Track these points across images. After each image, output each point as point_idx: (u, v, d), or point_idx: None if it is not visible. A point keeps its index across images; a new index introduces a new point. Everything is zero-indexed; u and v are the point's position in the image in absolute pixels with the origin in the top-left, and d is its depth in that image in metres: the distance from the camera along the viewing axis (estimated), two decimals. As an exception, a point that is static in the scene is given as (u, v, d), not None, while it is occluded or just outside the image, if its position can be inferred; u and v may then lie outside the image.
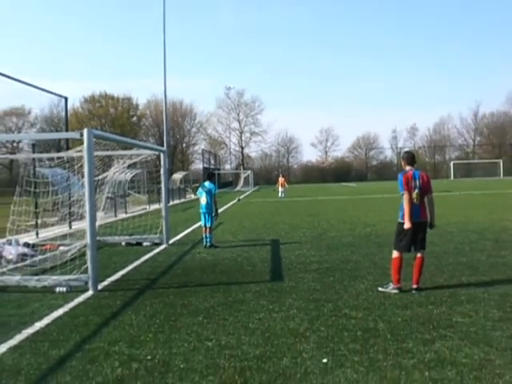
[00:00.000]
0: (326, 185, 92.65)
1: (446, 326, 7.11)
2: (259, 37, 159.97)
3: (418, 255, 9.26)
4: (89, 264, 10.09)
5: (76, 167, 14.59)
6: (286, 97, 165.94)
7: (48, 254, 13.44)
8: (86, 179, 10.30)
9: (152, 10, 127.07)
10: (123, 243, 16.94)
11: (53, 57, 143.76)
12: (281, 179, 48.84)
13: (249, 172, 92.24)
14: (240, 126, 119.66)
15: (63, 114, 25.65)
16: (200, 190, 16.18)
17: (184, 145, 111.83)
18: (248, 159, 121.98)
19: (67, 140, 23.33)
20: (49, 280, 10.30)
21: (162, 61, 45.48)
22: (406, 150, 19.34)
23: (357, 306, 8.30)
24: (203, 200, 15.76)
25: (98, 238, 12.77)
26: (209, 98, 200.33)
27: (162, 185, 17.51)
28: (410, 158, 9.50)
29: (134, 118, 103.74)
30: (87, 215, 10.25)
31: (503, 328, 6.92)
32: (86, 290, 9.94)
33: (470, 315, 7.57)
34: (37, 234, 18.84)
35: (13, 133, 77.70)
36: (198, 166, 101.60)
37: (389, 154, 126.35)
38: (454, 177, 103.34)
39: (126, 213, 31.18)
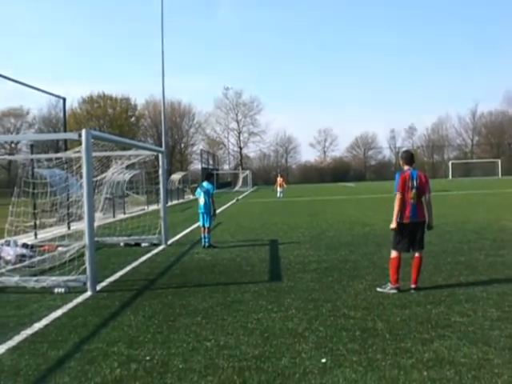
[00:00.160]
0: (325, 185, 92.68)
1: (445, 325, 7.11)
2: (258, 36, 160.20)
3: (417, 255, 9.27)
4: (87, 265, 10.08)
5: (74, 168, 14.59)
6: (284, 97, 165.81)
7: (46, 255, 13.43)
8: (84, 180, 10.29)
9: (150, 9, 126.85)
10: (122, 244, 16.94)
11: (51, 57, 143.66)
12: (279, 179, 48.82)
13: (247, 172, 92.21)
14: (238, 126, 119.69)
15: (61, 114, 25.64)
16: (198, 190, 16.19)
17: (182, 145, 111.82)
18: (246, 159, 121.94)
19: (65, 141, 23.36)
20: (47, 281, 10.30)
21: (160, 61, 45.53)
22: (405, 149, 19.41)
23: (355, 305, 8.31)
24: (201, 200, 15.76)
25: (96, 238, 12.75)
26: (207, 98, 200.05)
27: (161, 185, 17.52)
28: (409, 157, 9.51)
29: (133, 119, 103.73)
30: (86, 216, 10.24)
31: (501, 327, 6.92)
32: (85, 290, 9.93)
33: (468, 315, 7.57)
34: (35, 234, 18.84)
35: (11, 134, 77.77)
36: (196, 166, 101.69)
37: (387, 154, 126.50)
38: (453, 176, 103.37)
39: (124, 213, 31.19)
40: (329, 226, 20.62)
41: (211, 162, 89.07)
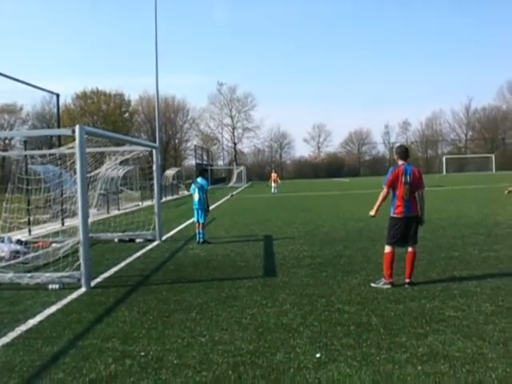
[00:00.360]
0: (319, 180, 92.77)
1: (439, 320, 7.13)
2: (252, 32, 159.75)
3: (410, 249, 9.29)
4: (81, 261, 10.08)
5: (68, 164, 14.55)
6: (278, 92, 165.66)
7: (41, 251, 13.42)
8: (78, 176, 10.28)
9: (144, 4, 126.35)
10: (116, 240, 16.92)
11: (44, 53, 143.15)
12: (273, 175, 48.79)
13: (242, 168, 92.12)
14: (232, 121, 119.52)
15: (55, 110, 25.56)
16: (193, 186, 16.19)
17: (176, 141, 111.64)
18: (241, 155, 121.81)
19: (59, 137, 23.29)
20: (42, 277, 10.28)
21: (153, 57, 45.29)
22: (399, 144, 19.52)
23: (350, 300, 8.32)
24: (196, 196, 15.77)
25: (90, 234, 12.75)
26: (201, 93, 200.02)
27: (155, 181, 17.50)
28: (403, 152, 9.52)
29: (126, 115, 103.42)
30: (80, 212, 10.23)
31: (495, 322, 6.95)
32: (79, 286, 9.92)
33: (462, 309, 7.59)
34: (29, 231, 18.80)
35: (4, 130, 77.40)
36: (190, 162, 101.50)
37: (381, 149, 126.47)
38: (447, 171, 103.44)
39: (118, 209, 31.17)
40: (323, 221, 20.64)
41: (205, 157, 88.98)
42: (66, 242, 13.24)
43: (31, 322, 7.73)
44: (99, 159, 17.74)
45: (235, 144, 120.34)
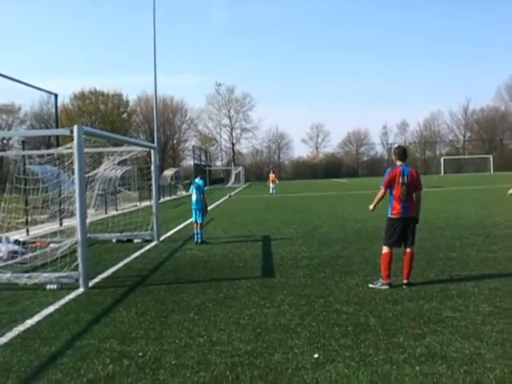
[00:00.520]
0: (317, 181, 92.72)
1: (437, 320, 7.14)
2: (250, 33, 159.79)
3: (408, 250, 9.30)
4: (79, 261, 10.08)
5: (66, 164, 14.58)
6: (276, 93, 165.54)
7: (38, 252, 13.42)
8: (76, 176, 10.27)
9: (143, 6, 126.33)
10: (114, 240, 16.91)
11: (42, 54, 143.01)
12: (271, 175, 48.78)
13: (240, 168, 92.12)
14: (231, 122, 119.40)
15: (53, 110, 25.58)
16: (192, 186, 16.23)
17: (175, 141, 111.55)
18: (239, 155, 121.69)
19: (57, 137, 23.26)
20: (39, 277, 10.28)
21: (152, 57, 45.41)
22: (398, 145, 19.48)
23: (348, 301, 8.33)
24: (194, 196, 15.80)
25: (88, 235, 12.75)
26: (199, 94, 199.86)
27: (153, 181, 17.49)
28: (402, 153, 9.53)
29: (125, 115, 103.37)
30: (77, 212, 10.22)
31: (493, 322, 6.95)
32: (77, 287, 9.92)
33: (460, 310, 7.60)
34: (27, 231, 18.79)
35: (2, 130, 77.37)
36: (188, 162, 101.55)
37: (379, 150, 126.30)
38: (445, 172, 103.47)
39: (116, 210, 31.15)
40: (321, 222, 20.65)
41: (203, 158, 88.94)
42: (63, 242, 13.25)
43: (29, 323, 7.73)
44: (97, 159, 17.76)
45: (233, 144, 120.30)
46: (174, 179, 57.52)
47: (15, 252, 13.52)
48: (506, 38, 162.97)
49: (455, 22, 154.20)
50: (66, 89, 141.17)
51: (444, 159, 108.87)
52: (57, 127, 25.87)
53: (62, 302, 8.98)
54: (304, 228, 18.67)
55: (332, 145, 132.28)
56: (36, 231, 19.04)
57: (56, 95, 23.53)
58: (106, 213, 28.34)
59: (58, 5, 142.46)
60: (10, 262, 12.72)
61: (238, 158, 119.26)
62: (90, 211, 15.24)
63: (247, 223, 21.23)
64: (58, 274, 10.35)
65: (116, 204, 32.25)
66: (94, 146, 15.84)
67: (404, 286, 9.10)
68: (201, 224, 15.72)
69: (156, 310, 8.24)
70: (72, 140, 10.64)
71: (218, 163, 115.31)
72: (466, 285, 9.09)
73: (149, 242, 16.34)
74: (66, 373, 5.71)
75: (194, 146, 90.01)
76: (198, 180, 16.07)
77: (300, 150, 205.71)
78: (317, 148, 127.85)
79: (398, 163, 9.38)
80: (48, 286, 9.99)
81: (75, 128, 10.23)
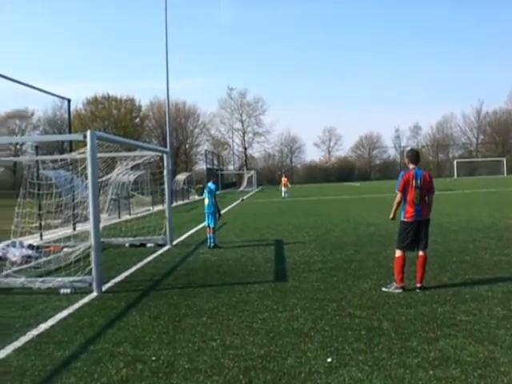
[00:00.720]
0: (330, 184, 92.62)
1: (450, 324, 7.11)
2: (261, 36, 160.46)
3: (421, 254, 9.27)
4: (93, 265, 10.11)
5: (79, 169, 14.63)
6: (288, 97, 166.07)
7: (52, 256, 13.48)
8: (89, 181, 10.32)
9: (153, 10, 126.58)
10: (127, 244, 16.97)
11: (55, 59, 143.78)
12: (284, 179, 48.80)
13: (252, 172, 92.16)
14: (243, 126, 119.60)
15: (66, 115, 25.73)
16: (205, 190, 16.30)
17: (187, 146, 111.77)
18: (251, 159, 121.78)
19: (70, 142, 23.40)
20: (53, 282, 10.33)
21: (164, 62, 45.51)
22: (410, 148, 19.48)
23: (361, 305, 8.31)
24: (206, 200, 15.83)
25: (101, 239, 12.78)
26: (211, 98, 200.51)
27: (166, 186, 17.53)
28: (414, 156, 9.50)
29: (137, 120, 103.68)
30: (91, 217, 10.27)
31: (507, 326, 6.92)
32: (91, 291, 9.96)
33: (474, 313, 7.57)
34: (41, 235, 18.88)
35: (16, 135, 77.80)
36: (201, 166, 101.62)
37: (392, 153, 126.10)
38: (458, 175, 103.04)
39: (129, 214, 31.23)
40: (334, 225, 20.62)
41: (216, 162, 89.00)
42: (77, 246, 13.29)
43: (43, 327, 7.76)
44: (110, 164, 17.82)
45: (245, 149, 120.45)
46: (187, 183, 57.62)
47: (29, 256, 13.59)
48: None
49: (467, 23, 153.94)
50: (78, 94, 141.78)
51: (457, 162, 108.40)
52: (70, 132, 26.01)
53: (76, 306, 9.02)
54: (316, 232, 18.65)
55: (344, 148, 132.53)
56: (50, 236, 19.11)
57: (69, 100, 23.65)
58: (119, 217, 28.43)
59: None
60: (24, 266, 12.78)
61: (250, 162, 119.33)
62: (104, 216, 15.29)
63: (260, 227, 21.23)
64: (71, 279, 10.40)
65: (129, 208, 32.33)
66: (107, 151, 15.88)
67: (417, 290, 9.07)
68: (213, 228, 15.74)
69: (169, 314, 8.26)
70: (85, 145, 10.68)
71: (231, 167, 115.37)
72: (480, 288, 9.05)
73: (162, 246, 16.37)
74: (79, 377, 5.73)
75: (206, 150, 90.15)
76: (210, 184, 16.10)
77: (312, 154, 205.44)
78: (329, 152, 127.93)
79: (411, 166, 9.36)
80: (62, 291, 10.04)
81: (88, 133, 10.28)
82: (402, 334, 6.77)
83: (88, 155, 10.32)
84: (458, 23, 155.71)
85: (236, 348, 6.47)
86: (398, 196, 9.27)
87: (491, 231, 16.66)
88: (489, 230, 16.89)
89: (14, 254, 13.55)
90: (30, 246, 14.61)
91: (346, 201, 38.27)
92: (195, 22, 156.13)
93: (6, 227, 14.52)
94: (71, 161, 17.04)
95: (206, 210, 15.87)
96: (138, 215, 29.82)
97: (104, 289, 10.21)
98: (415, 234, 9.16)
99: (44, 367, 6.08)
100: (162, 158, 18.09)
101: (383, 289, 9.25)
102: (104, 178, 17.36)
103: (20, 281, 10.58)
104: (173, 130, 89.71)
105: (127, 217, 29.40)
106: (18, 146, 71.79)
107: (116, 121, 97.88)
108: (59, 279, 10.45)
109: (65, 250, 14.44)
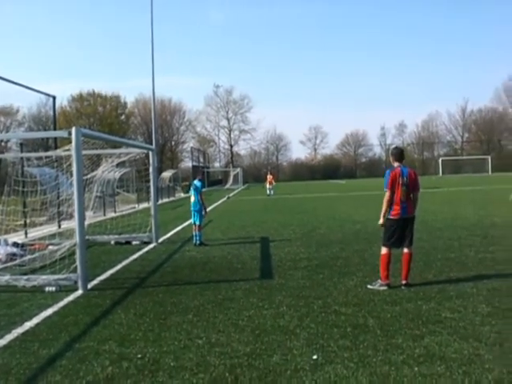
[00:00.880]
0: (315, 182, 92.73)
1: (435, 321, 7.14)
2: (248, 34, 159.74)
3: (406, 251, 9.31)
4: (78, 263, 10.07)
5: (64, 166, 14.58)
6: (274, 94, 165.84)
7: (37, 254, 13.39)
8: (74, 178, 10.28)
9: (140, 6, 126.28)
10: (112, 242, 16.90)
11: (40, 55, 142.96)
12: (269, 177, 48.80)
13: (238, 170, 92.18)
14: (229, 123, 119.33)
15: (51, 112, 25.64)
16: (191, 188, 16.26)
17: (173, 143, 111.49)
18: (237, 157, 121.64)
19: (55, 139, 23.28)
20: (38, 279, 10.27)
21: (149, 59, 45.31)
22: (395, 145, 19.51)
23: (346, 302, 8.33)
24: (192, 198, 15.82)
25: (87, 237, 12.75)
26: (197, 95, 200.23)
27: (151, 183, 17.51)
28: (399, 153, 9.53)
29: (123, 117, 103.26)
30: (76, 214, 10.22)
31: (492, 323, 6.96)
32: (76, 289, 9.92)
33: (458, 310, 7.61)
34: (26, 233, 18.78)
35: (0, 132, 77.39)
36: (187, 164, 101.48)
37: (377, 151, 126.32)
38: (443, 173, 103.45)
39: (115, 212, 31.12)
40: (319, 223, 20.65)
41: (202, 159, 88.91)
42: (62, 244, 13.24)
43: (28, 325, 7.73)
44: (96, 161, 17.76)
45: (232, 146, 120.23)
46: (173, 181, 57.50)
47: (14, 254, 13.52)
48: (504, 37, 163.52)
49: (453, 22, 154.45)
50: (65, 91, 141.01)
51: (442, 160, 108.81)
52: (55, 129, 25.84)
53: (61, 304, 8.98)
54: (302, 229, 18.68)
55: (330, 146, 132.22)
56: (34, 233, 19.02)
57: (54, 97, 23.52)
58: (104, 215, 28.31)
59: (58, 5, 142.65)
60: (9, 264, 12.72)
61: (236, 159, 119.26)
62: (89, 213, 15.23)
63: (245, 225, 21.24)
64: (56, 276, 10.34)
65: (114, 206, 32.21)
66: (93, 148, 15.83)
67: (403, 287, 9.11)
68: (199, 226, 15.73)
69: (155, 311, 8.24)
70: (70, 142, 10.64)
71: (217, 165, 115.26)
72: (465, 285, 9.10)
73: (147, 243, 16.33)
74: (64, 375, 5.71)
75: (192, 147, 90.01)
76: (196, 182, 16.09)
77: (298, 152, 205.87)
78: (315, 149, 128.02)
79: (396, 164, 9.39)
80: (47, 288, 9.99)
81: (73, 130, 10.23)
82: (387, 331, 6.79)
83: (73, 152, 10.29)
84: (443, 21, 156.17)
85: (222, 346, 6.46)
86: (387, 194, 9.26)
87: (476, 229, 16.74)
88: (474, 228, 16.98)
89: (-1, 252, 13.47)
90: (15, 244, 14.53)
91: (332, 198, 38.35)
92: (184, 20, 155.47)
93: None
94: (56, 158, 16.95)
95: (191, 208, 15.86)
96: (124, 213, 29.73)
97: (89, 287, 10.17)
98: (401, 232, 9.20)
99: (29, 365, 6.05)
100: (147, 156, 18.04)
101: (369, 286, 9.28)
102: (89, 176, 17.31)
103: (5, 279, 10.51)
104: (158, 127, 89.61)
105: (112, 214, 29.29)
106: (2, 143, 71.45)
107: (101, 118, 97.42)
108: (44, 277, 10.39)
109: (50, 247, 14.36)
